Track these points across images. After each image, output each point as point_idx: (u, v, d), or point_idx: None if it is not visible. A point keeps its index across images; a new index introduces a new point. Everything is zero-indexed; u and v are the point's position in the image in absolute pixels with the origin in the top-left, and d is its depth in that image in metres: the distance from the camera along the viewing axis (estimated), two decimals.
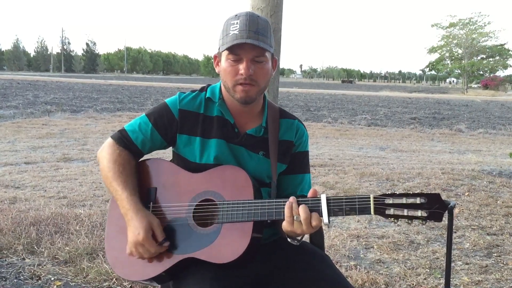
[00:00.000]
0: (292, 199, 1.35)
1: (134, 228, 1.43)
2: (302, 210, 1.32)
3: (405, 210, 1.26)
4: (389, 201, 1.27)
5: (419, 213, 1.25)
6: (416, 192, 1.27)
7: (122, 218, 1.52)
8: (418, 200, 1.25)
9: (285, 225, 1.36)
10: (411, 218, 1.26)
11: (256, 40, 1.43)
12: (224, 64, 1.49)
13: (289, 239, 1.43)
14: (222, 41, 1.48)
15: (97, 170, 5.82)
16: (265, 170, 1.57)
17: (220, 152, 1.54)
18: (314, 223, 1.32)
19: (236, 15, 1.47)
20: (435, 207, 1.24)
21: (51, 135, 9.43)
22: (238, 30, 1.43)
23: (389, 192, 1.29)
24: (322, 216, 1.32)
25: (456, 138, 11.63)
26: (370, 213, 1.28)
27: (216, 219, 1.43)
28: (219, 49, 1.52)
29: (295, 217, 1.33)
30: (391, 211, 1.27)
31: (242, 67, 1.45)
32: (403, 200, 1.26)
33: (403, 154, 8.59)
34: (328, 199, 1.32)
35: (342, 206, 1.31)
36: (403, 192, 1.28)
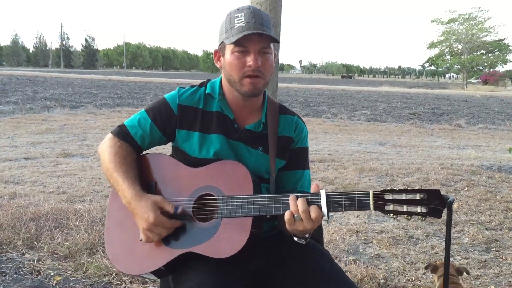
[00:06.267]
0: (291, 197, 1.35)
1: (142, 213, 1.42)
2: (300, 203, 1.32)
3: (405, 206, 1.25)
4: (389, 197, 1.27)
5: (418, 209, 1.24)
6: (415, 188, 1.27)
7: (122, 212, 1.51)
8: (417, 196, 1.25)
9: (287, 225, 1.36)
10: (410, 214, 1.25)
11: (263, 31, 1.43)
12: (229, 57, 1.47)
13: (295, 238, 1.43)
14: (226, 35, 1.46)
15: (97, 166, 5.82)
16: (264, 166, 1.56)
17: (220, 148, 1.54)
18: (313, 215, 1.31)
19: (239, 9, 1.47)
20: (434, 203, 1.24)
21: (51, 131, 9.42)
22: (244, 22, 1.43)
23: (389, 188, 1.28)
24: (321, 211, 1.32)
25: (455, 134, 11.63)
26: (369, 209, 1.28)
27: (215, 214, 1.43)
28: (221, 43, 1.50)
29: (295, 215, 1.33)
30: (391, 207, 1.26)
31: (250, 59, 1.44)
32: (403, 196, 1.26)
33: (403, 150, 8.59)
34: (327, 195, 1.32)
35: (341, 202, 1.31)
36: (402, 188, 1.28)
